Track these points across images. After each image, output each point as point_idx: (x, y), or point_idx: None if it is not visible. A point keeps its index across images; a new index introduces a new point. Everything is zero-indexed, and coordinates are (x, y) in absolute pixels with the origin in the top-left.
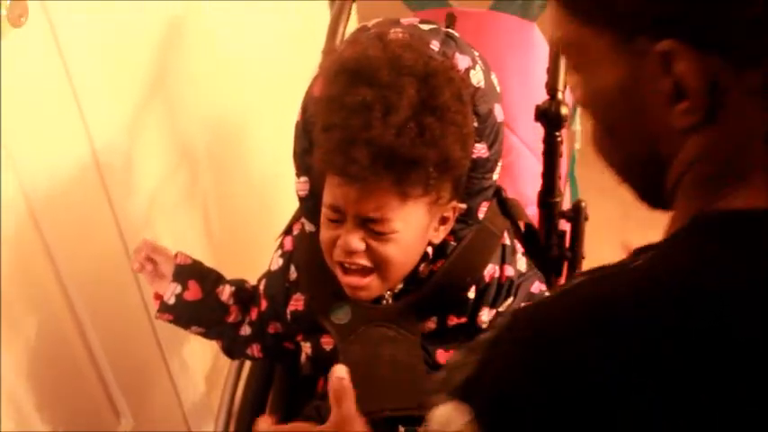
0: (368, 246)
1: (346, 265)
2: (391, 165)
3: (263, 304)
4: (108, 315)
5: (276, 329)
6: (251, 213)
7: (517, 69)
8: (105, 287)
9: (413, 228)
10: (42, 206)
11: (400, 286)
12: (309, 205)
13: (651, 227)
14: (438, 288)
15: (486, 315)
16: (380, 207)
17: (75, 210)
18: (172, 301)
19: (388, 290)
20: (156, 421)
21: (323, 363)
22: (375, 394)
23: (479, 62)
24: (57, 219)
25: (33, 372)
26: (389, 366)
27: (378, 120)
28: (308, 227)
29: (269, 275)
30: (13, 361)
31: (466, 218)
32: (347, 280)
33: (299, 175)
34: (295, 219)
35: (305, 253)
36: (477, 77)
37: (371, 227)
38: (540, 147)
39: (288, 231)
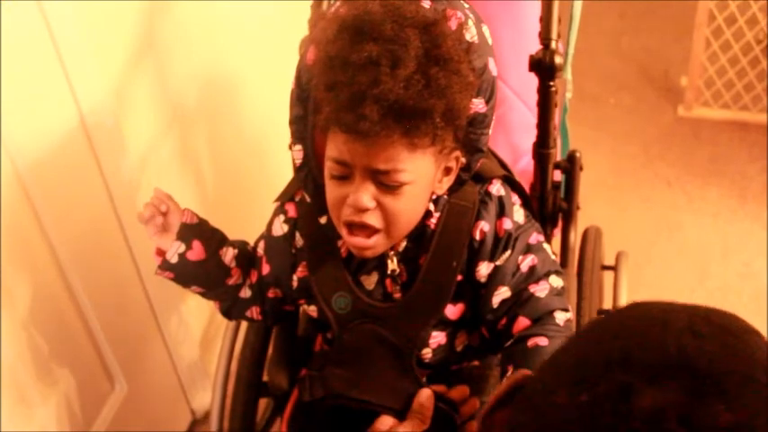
0: (378, 203)
1: (355, 223)
2: (400, 118)
3: (265, 269)
4: (100, 280)
5: (276, 294)
6: (244, 172)
7: (509, 20)
8: (96, 252)
9: (422, 178)
10: (30, 172)
11: (404, 244)
12: (303, 174)
13: (643, 181)
14: (438, 251)
15: (484, 269)
16: (391, 159)
17: (63, 175)
18: (174, 259)
19: (392, 249)
20: (150, 386)
21: (324, 325)
22: (361, 385)
23: (471, 16)
24: (45, 185)
25: (27, 339)
26: (378, 366)
27: (386, 75)
28: (307, 198)
29: (270, 240)
30: (4, 328)
31: (465, 172)
32: (353, 240)
33: (293, 143)
34: (297, 186)
35: (308, 227)
36: (470, 33)
37: (382, 179)
38: (532, 98)
39: (291, 198)
